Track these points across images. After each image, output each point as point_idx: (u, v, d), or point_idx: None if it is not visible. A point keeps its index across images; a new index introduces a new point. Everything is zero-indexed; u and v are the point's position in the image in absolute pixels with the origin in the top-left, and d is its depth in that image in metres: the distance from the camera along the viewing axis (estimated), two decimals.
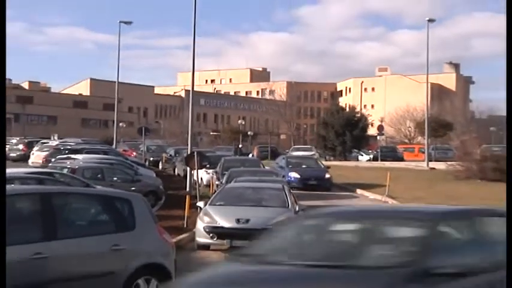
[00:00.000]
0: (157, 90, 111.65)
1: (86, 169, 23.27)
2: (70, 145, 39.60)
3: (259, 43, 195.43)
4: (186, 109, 68.58)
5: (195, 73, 29.26)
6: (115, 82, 46.23)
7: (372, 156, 57.04)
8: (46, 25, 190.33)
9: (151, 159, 44.82)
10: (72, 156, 29.49)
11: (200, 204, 18.00)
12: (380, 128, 61.67)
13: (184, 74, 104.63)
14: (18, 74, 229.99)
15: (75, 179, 19.61)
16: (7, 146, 44.80)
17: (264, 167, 31.86)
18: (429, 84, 52.92)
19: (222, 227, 15.60)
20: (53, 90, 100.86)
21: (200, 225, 15.87)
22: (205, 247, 15.60)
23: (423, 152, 50.63)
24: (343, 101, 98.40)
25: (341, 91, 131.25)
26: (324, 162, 39.37)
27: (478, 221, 6.90)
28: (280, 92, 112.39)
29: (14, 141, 46.93)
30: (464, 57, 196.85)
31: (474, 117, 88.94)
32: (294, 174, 31.52)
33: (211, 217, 15.94)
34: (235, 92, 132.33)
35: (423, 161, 46.94)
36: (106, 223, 9.38)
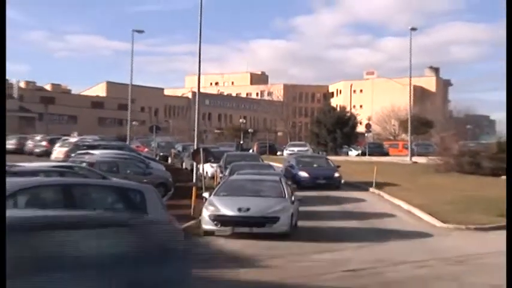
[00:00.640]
0: (166, 92, 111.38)
1: (102, 163, 23.23)
2: (88, 141, 39.48)
3: (258, 49, 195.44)
4: (193, 109, 68.64)
5: (201, 76, 29.19)
6: (129, 85, 46.17)
7: (360, 151, 56.95)
8: (67, 33, 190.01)
9: (161, 154, 44.81)
10: (90, 151, 29.37)
11: (205, 194, 18.05)
12: (368, 126, 61.79)
13: (191, 77, 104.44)
14: (41, 77, 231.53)
15: (92, 172, 19.54)
16: (32, 142, 45.00)
17: (263, 161, 31.81)
18: (412, 86, 52.88)
19: (225, 215, 15.60)
20: (73, 92, 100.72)
21: (205, 213, 15.87)
22: (210, 233, 15.56)
23: (406, 148, 50.57)
24: (334, 102, 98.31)
25: (332, 93, 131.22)
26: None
27: None
28: (278, 94, 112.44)
29: (38, 138, 46.74)
30: (443, 62, 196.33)
31: (452, 116, 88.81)
32: (303, 173, 29.28)
33: (216, 206, 15.96)
34: (237, 94, 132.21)
35: (406, 155, 46.94)
36: (121, 211, 9.41)
